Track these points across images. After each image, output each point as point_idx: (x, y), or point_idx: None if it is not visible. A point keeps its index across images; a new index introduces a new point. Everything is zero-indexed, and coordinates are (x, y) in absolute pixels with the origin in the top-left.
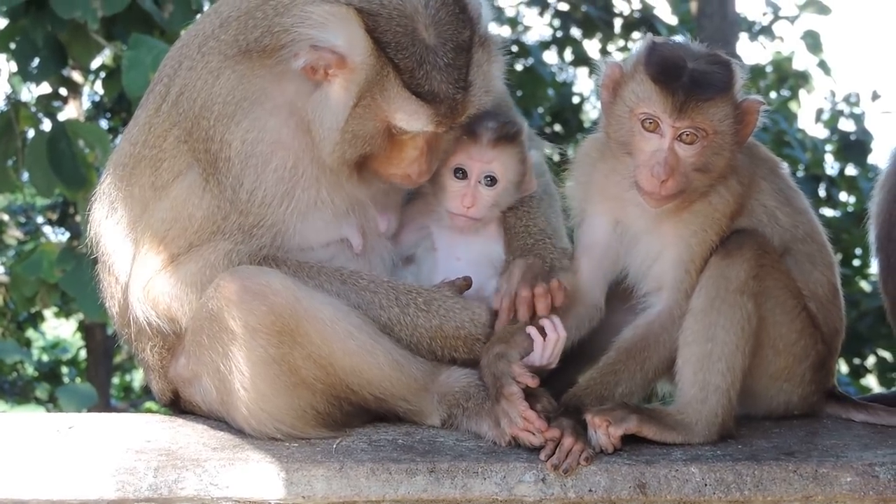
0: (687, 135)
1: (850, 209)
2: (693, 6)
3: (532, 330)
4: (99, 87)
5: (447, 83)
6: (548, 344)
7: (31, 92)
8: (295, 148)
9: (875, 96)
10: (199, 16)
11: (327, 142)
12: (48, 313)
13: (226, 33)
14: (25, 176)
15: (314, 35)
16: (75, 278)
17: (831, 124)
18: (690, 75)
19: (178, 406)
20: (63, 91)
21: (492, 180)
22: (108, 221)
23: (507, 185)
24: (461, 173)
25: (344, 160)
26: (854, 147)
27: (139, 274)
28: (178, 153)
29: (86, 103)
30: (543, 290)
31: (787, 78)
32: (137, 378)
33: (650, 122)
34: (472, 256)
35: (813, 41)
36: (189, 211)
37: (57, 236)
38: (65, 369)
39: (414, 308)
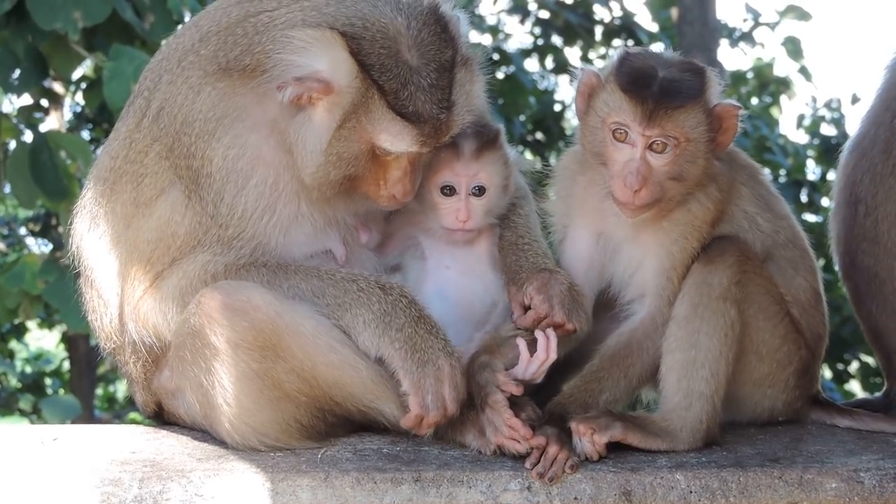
0: (658, 144)
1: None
2: (674, 13)
3: (521, 343)
4: (80, 98)
5: (431, 103)
6: (533, 361)
7: (13, 103)
8: (276, 164)
9: (855, 99)
10: (179, 27)
11: (310, 163)
12: (31, 325)
13: (205, 48)
14: (7, 187)
15: (296, 61)
16: (58, 289)
17: (812, 129)
18: (660, 84)
19: (161, 418)
20: (44, 102)
21: (480, 190)
22: (90, 235)
23: (495, 190)
24: (449, 190)
25: (327, 181)
26: (835, 152)
27: (129, 294)
28: (159, 169)
29: (67, 114)
30: (571, 329)
31: (768, 84)
32: (121, 389)
33: (621, 132)
34: (461, 265)
35: (793, 47)
36: (172, 229)
37: (39, 247)
38: (48, 381)
39: (398, 291)
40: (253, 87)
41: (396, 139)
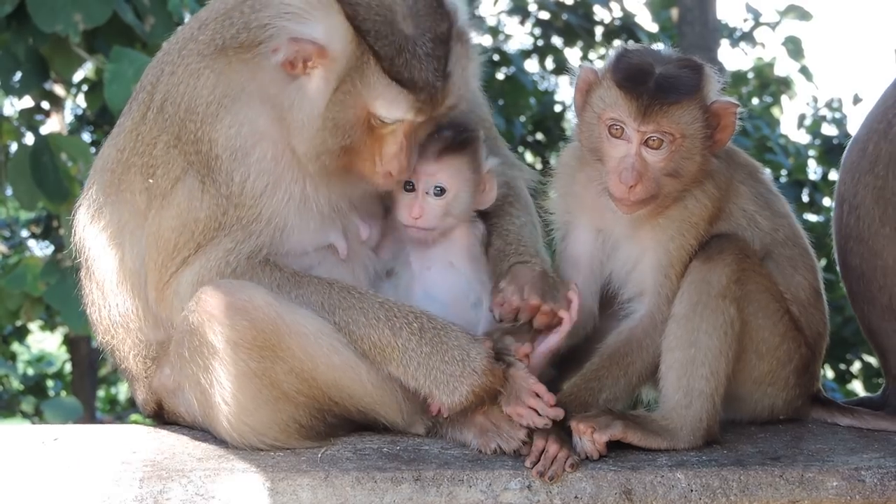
0: (654, 140)
1: (833, 214)
2: (674, 13)
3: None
4: (81, 100)
5: (427, 71)
6: (559, 331)
7: (14, 106)
8: (274, 137)
9: (857, 100)
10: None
11: (305, 131)
12: (33, 327)
13: (203, 34)
14: (9, 190)
15: (293, 28)
16: (60, 291)
17: (813, 129)
18: (656, 80)
19: (161, 417)
20: (45, 104)
21: (441, 190)
22: (92, 227)
23: (457, 193)
24: (409, 185)
25: (325, 150)
26: (836, 151)
27: (157, 281)
28: (169, 159)
29: (68, 116)
30: (549, 310)
31: (768, 84)
32: (123, 391)
33: (617, 128)
34: (440, 265)
35: (794, 47)
36: (193, 215)
37: (41, 250)
38: (50, 382)
39: (408, 333)
40: (247, 60)
41: (392, 105)
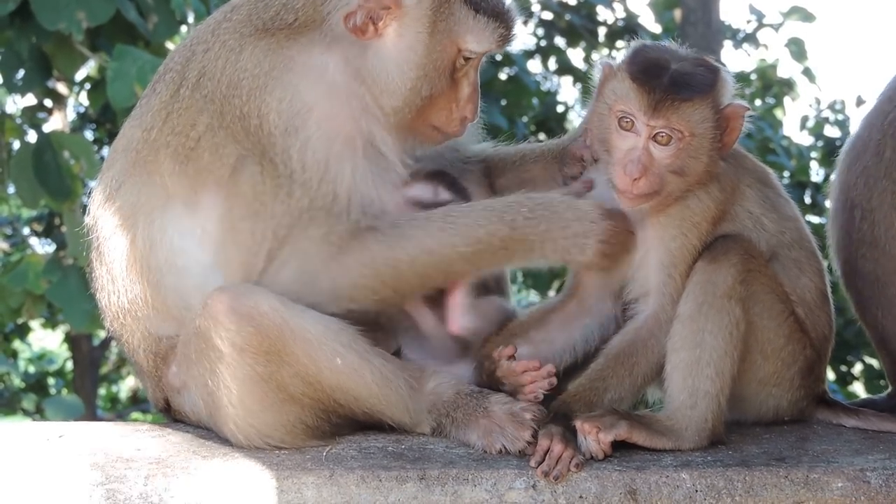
0: (662, 135)
1: (832, 217)
2: (677, 14)
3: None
4: (84, 98)
5: (499, 1)
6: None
7: (17, 103)
8: (331, 109)
9: (860, 101)
10: (183, 27)
11: (397, 87)
12: (35, 324)
13: (237, 15)
14: (11, 187)
15: None
16: (61, 289)
17: (816, 131)
18: (671, 75)
19: (170, 413)
20: (48, 102)
21: None
22: (107, 207)
23: None
24: None
25: (419, 98)
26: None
27: (241, 280)
28: (217, 143)
29: (71, 114)
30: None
31: (771, 85)
32: (124, 388)
33: (627, 121)
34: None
35: (797, 48)
36: (259, 206)
37: (43, 247)
38: (51, 380)
39: (522, 220)
40: (301, 41)
41: (481, 37)
